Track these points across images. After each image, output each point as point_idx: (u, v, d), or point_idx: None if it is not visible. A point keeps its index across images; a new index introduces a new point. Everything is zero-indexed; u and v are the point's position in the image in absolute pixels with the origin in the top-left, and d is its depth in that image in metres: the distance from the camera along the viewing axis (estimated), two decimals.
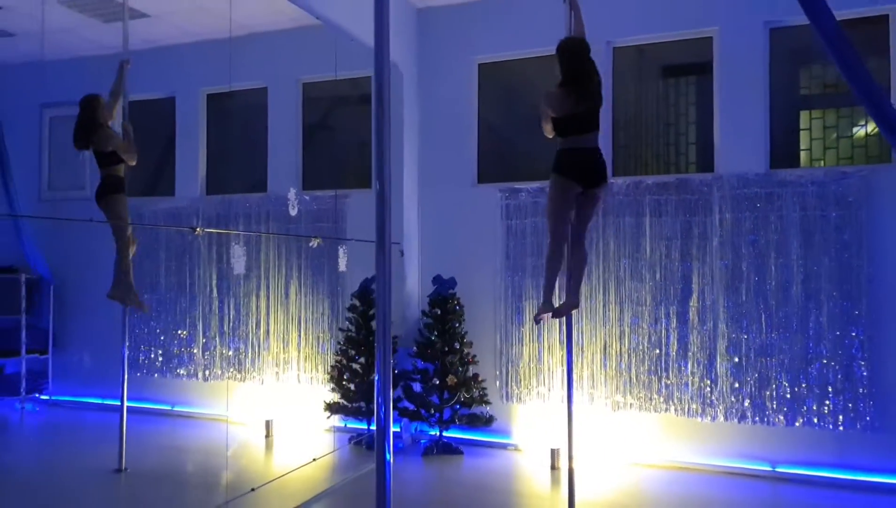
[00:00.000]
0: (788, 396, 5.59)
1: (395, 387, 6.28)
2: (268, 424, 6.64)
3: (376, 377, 2.13)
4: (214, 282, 7.17)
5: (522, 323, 6.34)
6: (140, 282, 7.47)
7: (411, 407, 6.15)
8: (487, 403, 6.16)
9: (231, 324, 7.14)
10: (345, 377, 6.25)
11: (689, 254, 5.90)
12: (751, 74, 5.80)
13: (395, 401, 6.25)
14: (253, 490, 5.03)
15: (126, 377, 5.51)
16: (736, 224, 5.78)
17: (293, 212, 5.04)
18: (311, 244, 5.78)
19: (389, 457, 2.22)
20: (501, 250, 6.39)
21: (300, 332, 6.91)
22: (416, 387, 6.18)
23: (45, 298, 7.73)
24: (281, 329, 6.98)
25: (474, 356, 6.22)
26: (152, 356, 7.45)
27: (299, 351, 6.92)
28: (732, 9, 5.79)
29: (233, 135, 7.55)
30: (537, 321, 4.26)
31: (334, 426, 6.66)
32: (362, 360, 6.27)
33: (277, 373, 6.98)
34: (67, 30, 6.75)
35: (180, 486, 5.52)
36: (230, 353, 7.15)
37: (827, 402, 5.49)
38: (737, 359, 5.74)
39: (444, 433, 6.19)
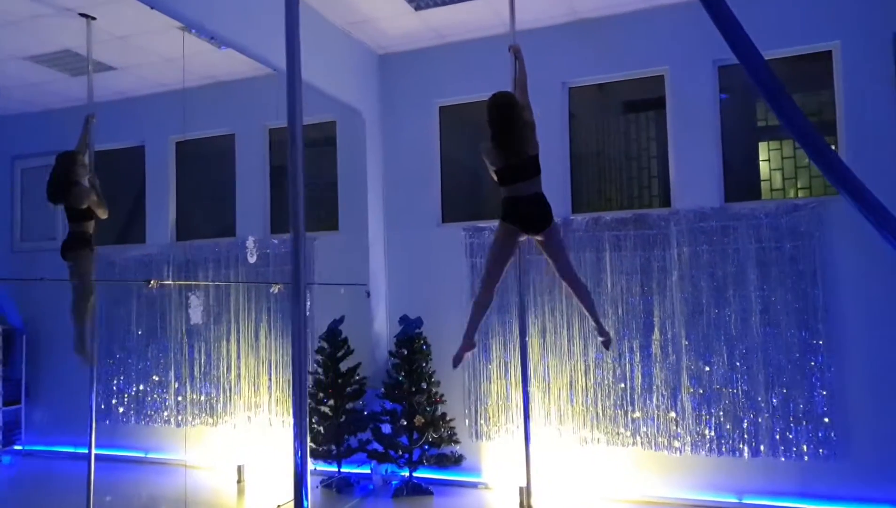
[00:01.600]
0: (752, 426, 5.66)
1: (364, 429, 6.32)
2: (239, 469, 6.66)
3: (293, 423, 2.21)
4: (185, 327, 7.23)
5: (490, 361, 6.41)
6: (113, 329, 7.56)
7: (381, 449, 6.18)
8: (456, 442, 6.21)
9: (202, 369, 7.20)
10: (313, 420, 6.29)
11: (649, 288, 6.01)
12: (702, 111, 5.97)
13: (364, 443, 6.29)
14: None
15: (94, 426, 5.54)
16: (694, 258, 5.89)
17: (252, 259, 5.14)
18: (272, 291, 5.86)
19: (307, 504, 2.30)
20: (467, 288, 6.49)
21: (270, 375, 6.97)
22: (386, 428, 6.22)
23: (17, 348, 7.78)
24: (252, 373, 7.03)
25: (442, 395, 6.28)
26: (125, 402, 7.49)
27: (270, 394, 6.97)
28: (681, 49, 5.98)
29: (202, 181, 7.68)
30: (456, 362, 4.26)
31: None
32: (331, 403, 6.32)
33: (249, 417, 7.02)
34: (35, 84, 6.90)
35: None
36: (202, 398, 7.19)
37: (790, 432, 5.56)
38: (701, 391, 5.81)
39: (415, 474, 6.22)
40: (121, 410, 7.49)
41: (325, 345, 6.40)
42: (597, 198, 6.73)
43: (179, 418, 7.27)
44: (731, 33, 4.37)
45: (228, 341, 7.09)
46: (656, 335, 5.97)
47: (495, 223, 6.32)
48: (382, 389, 6.24)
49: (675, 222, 5.96)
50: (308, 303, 5.61)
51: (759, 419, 5.64)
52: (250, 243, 5.19)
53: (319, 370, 6.39)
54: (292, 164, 2.24)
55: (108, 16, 5.63)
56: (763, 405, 5.64)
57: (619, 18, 6.14)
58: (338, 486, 6.28)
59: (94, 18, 5.61)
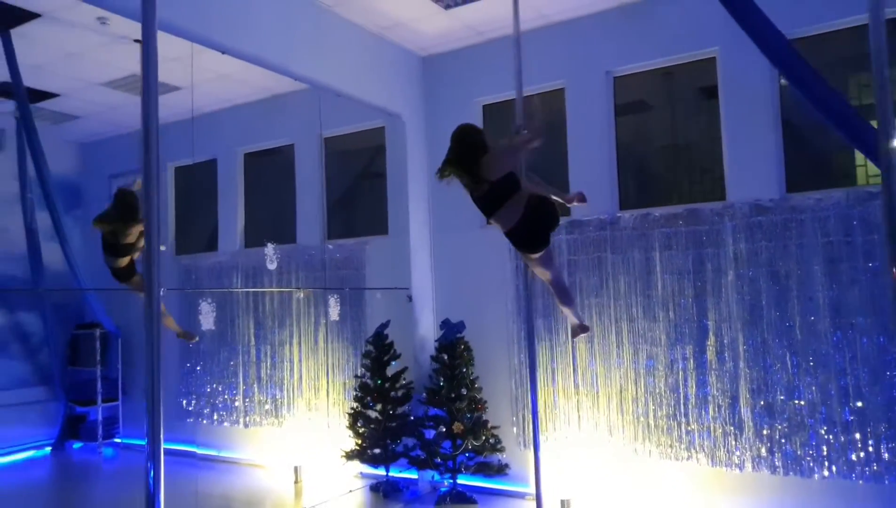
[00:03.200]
0: (822, 444, 5.10)
1: (410, 434, 6.38)
2: (296, 469, 6.94)
3: (146, 443, 2.25)
4: (252, 331, 7.67)
5: (537, 367, 6.23)
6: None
7: (422, 455, 6.21)
8: (500, 451, 6.09)
9: (268, 371, 7.59)
10: (358, 424, 6.43)
11: (703, 289, 5.60)
12: (759, 93, 5.47)
13: (409, 448, 6.34)
14: None
15: (150, 423, 5.99)
16: (752, 255, 5.41)
17: (272, 266, 5.33)
18: (297, 296, 6.05)
19: None
20: (511, 291, 6.37)
21: (328, 379, 7.22)
22: (430, 434, 6.24)
23: (113, 350, 8.60)
24: (312, 376, 7.32)
25: (484, 402, 6.19)
26: (201, 403, 8.07)
27: (328, 397, 7.21)
28: (733, 27, 5.48)
29: (266, 190, 8.10)
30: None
31: (361, 473, 6.85)
32: (378, 407, 6.42)
33: (310, 419, 7.31)
34: (116, 107, 7.60)
35: None
36: (267, 400, 7.58)
37: (867, 451, 4.95)
38: (762, 403, 5.32)
39: (463, 482, 6.19)
40: (197, 409, 8.08)
41: (372, 349, 6.52)
42: (664, 193, 6.26)
43: (247, 419, 7.72)
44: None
45: (291, 344, 7.43)
46: (711, 340, 5.54)
47: None
48: (424, 394, 6.26)
49: (729, 216, 5.51)
50: (335, 308, 5.75)
51: (830, 437, 5.08)
52: (269, 250, 5.38)
53: (367, 373, 6.52)
54: (147, 180, 2.30)
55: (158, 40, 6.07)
56: (835, 419, 5.07)
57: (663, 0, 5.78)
58: (384, 490, 6.37)
59: None
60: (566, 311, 4.28)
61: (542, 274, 4.13)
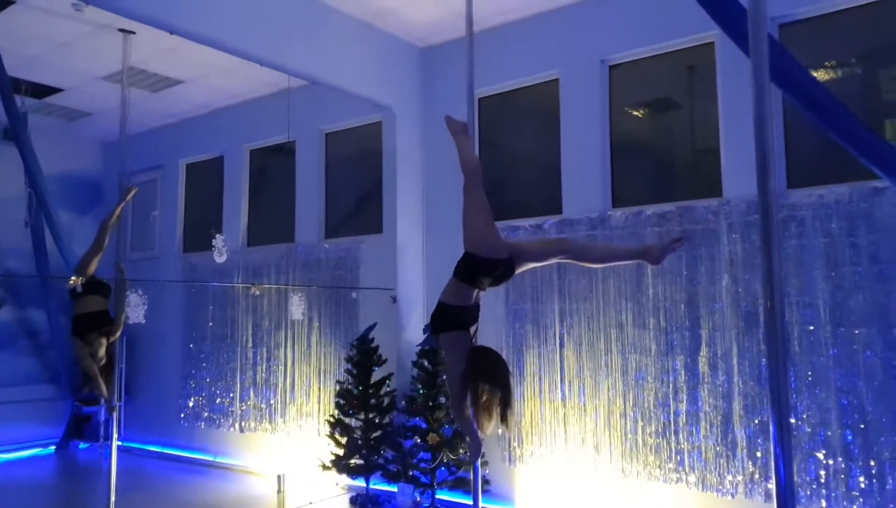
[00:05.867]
0: (823, 470, 5.00)
1: (388, 444, 6.63)
2: (280, 478, 7.32)
3: None
4: (250, 332, 8.17)
5: (524, 377, 6.38)
6: (192, 333, 8.76)
7: (396, 468, 6.44)
8: (481, 465, 6.23)
9: (263, 375, 8.05)
10: (335, 433, 6.73)
11: (695, 294, 5.62)
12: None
13: (389, 460, 6.59)
14: None
15: (115, 425, 6.47)
16: (748, 257, 5.40)
17: (220, 259, 5.70)
18: (252, 292, 6.43)
19: None
20: (502, 294, 6.54)
21: (320, 384, 7.59)
22: (409, 445, 6.46)
23: (118, 349, 9.30)
24: (304, 381, 7.71)
25: None
26: (199, 406, 8.63)
27: (319, 403, 7.58)
28: (730, 11, 5.54)
29: (268, 188, 8.63)
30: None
31: (348, 485, 7.14)
32: (361, 416, 6.69)
33: (300, 426, 7.69)
34: (128, 104, 8.31)
35: None
36: (262, 405, 8.04)
37: (877, 479, 4.82)
38: (756, 421, 5.27)
39: (442, 497, 6.38)
40: (195, 412, 8.63)
41: (356, 353, 6.81)
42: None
43: (243, 423, 8.21)
44: None
45: (285, 347, 7.86)
46: (703, 351, 5.54)
47: (531, 221, 6.43)
48: (404, 402, 6.51)
49: (725, 214, 5.52)
50: (298, 307, 6.08)
51: (830, 461, 4.98)
52: (218, 241, 5.76)
53: (350, 379, 6.81)
54: None
55: (144, 29, 6.45)
56: (844, 442, 4.95)
57: None
58: (362, 503, 6.63)
59: (133, 33, 6.63)
60: (620, 261, 4.14)
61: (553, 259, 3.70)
